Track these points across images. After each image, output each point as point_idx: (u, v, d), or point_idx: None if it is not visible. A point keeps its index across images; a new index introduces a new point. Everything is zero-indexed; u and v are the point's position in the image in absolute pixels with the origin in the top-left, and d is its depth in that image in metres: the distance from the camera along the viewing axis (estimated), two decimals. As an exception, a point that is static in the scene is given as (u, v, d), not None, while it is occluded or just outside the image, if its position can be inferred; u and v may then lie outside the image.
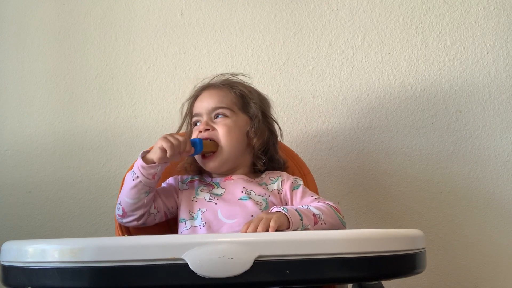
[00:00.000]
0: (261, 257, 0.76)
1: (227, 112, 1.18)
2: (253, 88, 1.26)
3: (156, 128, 1.57)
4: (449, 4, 1.61)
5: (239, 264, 0.75)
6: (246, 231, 0.97)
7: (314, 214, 1.06)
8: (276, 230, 0.97)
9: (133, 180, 1.10)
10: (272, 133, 1.24)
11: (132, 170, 1.11)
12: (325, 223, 1.06)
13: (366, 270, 0.80)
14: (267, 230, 0.95)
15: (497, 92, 1.59)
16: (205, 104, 1.19)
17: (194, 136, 1.19)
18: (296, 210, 1.03)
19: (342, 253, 0.78)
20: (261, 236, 0.88)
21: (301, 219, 1.02)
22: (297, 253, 0.77)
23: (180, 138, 1.09)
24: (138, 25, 1.61)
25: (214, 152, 1.16)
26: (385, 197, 1.58)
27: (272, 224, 0.96)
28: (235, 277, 0.75)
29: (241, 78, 1.26)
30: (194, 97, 1.23)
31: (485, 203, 1.58)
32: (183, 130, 1.26)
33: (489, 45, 1.60)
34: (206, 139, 1.16)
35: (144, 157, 1.11)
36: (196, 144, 1.12)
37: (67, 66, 1.60)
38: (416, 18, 1.60)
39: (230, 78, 1.25)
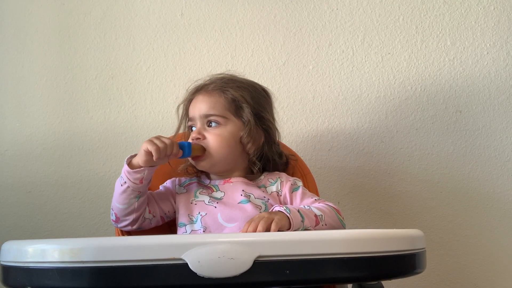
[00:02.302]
0: (261, 257, 0.76)
1: (219, 119, 1.16)
2: (247, 86, 1.20)
3: (156, 128, 1.57)
4: (449, 4, 1.61)
5: (239, 264, 0.75)
6: (246, 230, 0.96)
7: (315, 215, 1.05)
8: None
9: (121, 185, 1.09)
10: (268, 135, 1.21)
11: (120, 176, 1.10)
12: (326, 224, 1.06)
13: (366, 270, 0.80)
14: (267, 230, 0.95)
15: (497, 92, 1.59)
16: (197, 109, 1.17)
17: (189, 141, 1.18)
18: (298, 211, 1.02)
19: (342, 253, 0.78)
20: (261, 236, 0.88)
21: (303, 221, 1.01)
22: (297, 253, 0.77)
23: (167, 141, 1.07)
24: (138, 25, 1.61)
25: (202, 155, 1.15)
26: (385, 197, 1.58)
27: (273, 227, 0.96)
28: (235, 277, 0.75)
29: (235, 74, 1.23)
30: (189, 100, 1.21)
31: (485, 203, 1.58)
32: (181, 131, 1.25)
33: (489, 45, 1.60)
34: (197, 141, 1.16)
35: (130, 161, 1.09)
36: (184, 148, 1.10)
37: (67, 66, 1.60)
38: (416, 18, 1.60)
39: (224, 77, 1.21)
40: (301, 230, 1.01)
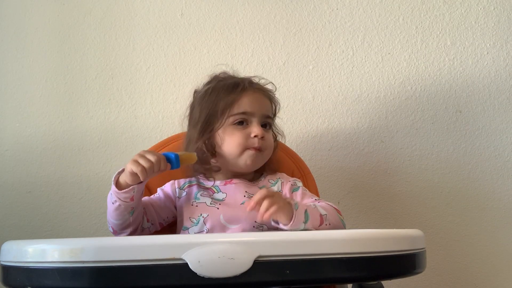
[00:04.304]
0: (261, 257, 0.76)
1: (272, 123, 1.22)
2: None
3: (156, 128, 1.57)
4: (449, 4, 1.61)
5: (239, 264, 0.75)
6: (253, 203, 0.97)
7: (321, 215, 1.05)
8: (273, 221, 0.99)
9: (113, 203, 1.06)
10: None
11: (110, 193, 1.07)
12: (329, 224, 1.06)
13: (366, 270, 0.80)
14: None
15: (497, 92, 1.59)
16: (260, 107, 1.17)
17: (241, 138, 1.14)
18: (305, 211, 1.01)
19: (342, 253, 0.78)
20: (261, 236, 0.87)
21: (305, 222, 1.00)
22: (297, 253, 0.77)
23: (153, 158, 1.02)
24: (138, 25, 1.61)
25: (192, 163, 1.13)
26: (385, 197, 1.58)
27: (268, 214, 0.96)
28: (235, 277, 0.75)
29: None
30: (239, 93, 1.16)
31: (485, 203, 1.58)
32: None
33: (489, 45, 1.60)
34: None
35: (117, 180, 1.05)
36: (172, 161, 1.05)
37: (67, 66, 1.60)
38: (416, 18, 1.60)
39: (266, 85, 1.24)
40: (300, 229, 1.00)
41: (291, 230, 0.99)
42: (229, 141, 1.14)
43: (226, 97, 1.16)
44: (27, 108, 1.59)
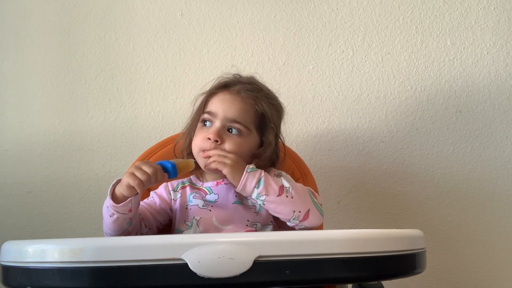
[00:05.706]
0: (261, 257, 0.76)
1: (243, 129, 1.10)
2: (276, 104, 1.17)
3: (156, 128, 1.57)
4: (449, 4, 1.61)
5: (239, 264, 0.75)
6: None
7: (281, 186, 1.04)
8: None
9: (110, 216, 1.03)
10: (276, 154, 1.18)
11: (106, 206, 1.03)
12: (292, 197, 1.04)
13: (366, 270, 0.80)
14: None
15: (497, 92, 1.59)
16: (225, 109, 1.10)
17: (199, 139, 1.12)
18: (260, 179, 1.03)
19: (342, 253, 0.78)
20: (261, 236, 0.88)
21: (257, 187, 1.03)
22: (297, 253, 0.77)
23: (149, 170, 1.00)
24: (138, 25, 1.61)
25: (191, 171, 1.12)
26: (385, 197, 1.58)
27: (219, 164, 1.04)
28: (235, 277, 0.75)
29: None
30: (213, 93, 1.14)
31: (485, 203, 1.58)
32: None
33: (489, 45, 1.60)
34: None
35: (113, 192, 1.02)
36: (169, 171, 1.04)
37: (67, 66, 1.60)
38: (416, 18, 1.60)
39: (253, 83, 1.16)
40: (255, 196, 1.03)
41: (246, 194, 1.05)
42: (193, 141, 1.14)
43: (205, 96, 1.16)
44: (27, 108, 1.59)
